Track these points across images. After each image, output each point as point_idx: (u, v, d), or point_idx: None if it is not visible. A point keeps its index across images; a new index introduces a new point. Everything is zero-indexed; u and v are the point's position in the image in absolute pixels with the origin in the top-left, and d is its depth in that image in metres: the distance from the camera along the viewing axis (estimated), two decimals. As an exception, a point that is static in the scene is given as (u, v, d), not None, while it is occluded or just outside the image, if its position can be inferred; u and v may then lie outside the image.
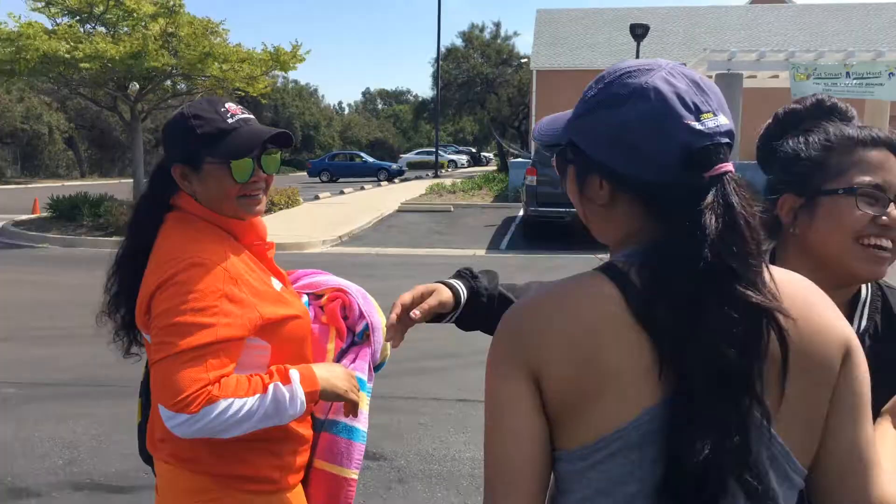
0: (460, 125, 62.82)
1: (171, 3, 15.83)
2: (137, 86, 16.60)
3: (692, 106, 0.94)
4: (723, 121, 0.96)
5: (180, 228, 1.64)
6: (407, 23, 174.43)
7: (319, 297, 1.90)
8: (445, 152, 50.16)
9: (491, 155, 56.12)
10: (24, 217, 17.04)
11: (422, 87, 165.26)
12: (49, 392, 5.36)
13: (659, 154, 0.94)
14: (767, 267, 0.93)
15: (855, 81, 18.07)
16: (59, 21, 15.97)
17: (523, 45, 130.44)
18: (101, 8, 15.77)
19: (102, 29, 16.43)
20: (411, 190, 24.97)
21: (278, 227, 14.58)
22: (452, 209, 18.68)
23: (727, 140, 0.96)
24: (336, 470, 1.76)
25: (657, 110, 0.94)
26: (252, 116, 1.70)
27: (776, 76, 21.65)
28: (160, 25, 15.63)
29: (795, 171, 1.34)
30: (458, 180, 25.95)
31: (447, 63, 40.06)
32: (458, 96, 41.95)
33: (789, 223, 1.35)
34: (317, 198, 22.48)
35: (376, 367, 1.92)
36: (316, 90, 77.70)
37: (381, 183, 32.62)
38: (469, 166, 49.87)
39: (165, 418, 1.46)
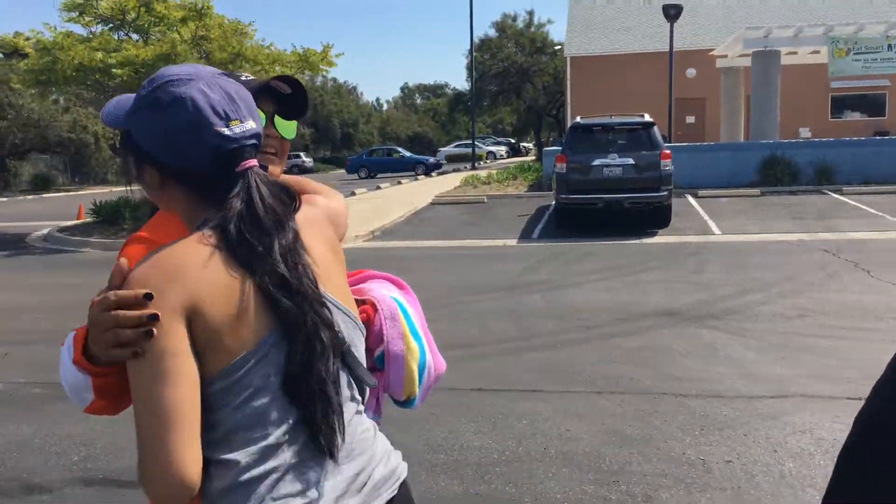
0: (498, 116, 62.51)
1: (200, 5, 16.07)
2: (172, 90, 16.92)
3: (223, 114, 1.17)
4: (249, 126, 1.20)
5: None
6: (441, 15, 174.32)
7: (363, 302, 1.61)
8: (484, 144, 50.01)
9: (531, 145, 55.76)
10: (68, 223, 17.52)
11: (458, 79, 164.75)
12: (74, 391, 5.46)
13: (196, 154, 1.17)
14: (293, 230, 1.19)
15: (897, 53, 17.41)
16: (93, 30, 16.37)
17: (557, 32, 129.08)
18: (133, 14, 16.11)
19: (135, 36, 16.78)
20: (447, 183, 24.94)
21: (311, 223, 14.65)
22: (486, 200, 18.61)
23: (253, 142, 1.21)
24: None
25: (193, 118, 1.16)
26: (250, 76, 1.49)
27: (817, 52, 20.99)
28: (191, 29, 15.89)
29: None
30: (494, 171, 25.83)
31: (481, 54, 39.88)
32: (493, 87, 41.75)
33: None
34: (353, 194, 22.61)
35: (402, 402, 1.68)
36: (355, 88, 78.32)
37: (419, 177, 32.67)
38: (508, 157, 49.52)
39: None
